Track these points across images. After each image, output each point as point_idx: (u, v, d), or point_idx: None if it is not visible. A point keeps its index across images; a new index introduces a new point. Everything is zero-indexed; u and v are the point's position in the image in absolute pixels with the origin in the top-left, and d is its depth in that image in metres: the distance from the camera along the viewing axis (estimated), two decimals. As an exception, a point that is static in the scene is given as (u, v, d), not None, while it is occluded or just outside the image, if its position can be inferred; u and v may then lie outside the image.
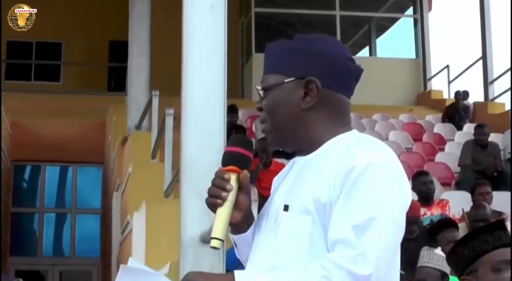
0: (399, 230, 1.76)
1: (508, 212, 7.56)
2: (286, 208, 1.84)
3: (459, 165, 9.75)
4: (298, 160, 1.94)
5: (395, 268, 1.81)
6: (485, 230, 2.62)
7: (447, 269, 4.58)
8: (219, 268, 4.55)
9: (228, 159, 1.91)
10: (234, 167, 1.89)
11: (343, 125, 1.90)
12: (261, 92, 1.95)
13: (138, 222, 7.10)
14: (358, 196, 1.72)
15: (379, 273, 1.67)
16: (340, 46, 1.96)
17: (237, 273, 1.73)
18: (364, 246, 1.67)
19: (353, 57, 1.95)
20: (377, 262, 1.66)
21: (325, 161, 1.82)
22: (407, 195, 1.81)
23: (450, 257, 2.70)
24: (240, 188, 1.90)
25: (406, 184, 1.82)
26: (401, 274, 5.89)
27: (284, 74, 1.91)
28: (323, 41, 1.94)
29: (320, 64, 1.89)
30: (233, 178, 1.88)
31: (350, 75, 1.93)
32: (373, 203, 1.71)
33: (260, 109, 1.96)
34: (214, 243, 1.86)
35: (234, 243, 2.02)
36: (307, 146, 1.90)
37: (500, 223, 2.67)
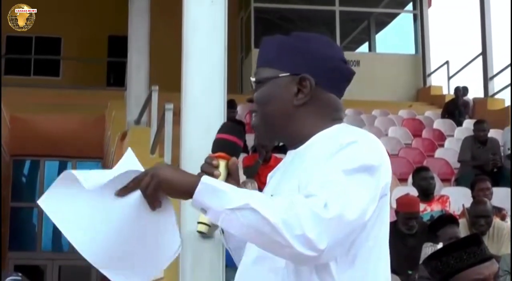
0: (364, 200, 1.74)
1: (508, 207, 7.56)
2: None
3: (458, 161, 9.74)
4: (289, 154, 1.97)
5: (376, 254, 1.82)
6: (459, 246, 2.61)
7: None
8: (219, 263, 4.55)
9: (218, 146, 1.93)
10: (223, 154, 1.91)
11: (331, 121, 1.93)
12: (254, 84, 1.98)
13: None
14: (333, 162, 1.76)
15: (340, 228, 1.67)
16: (334, 46, 2.00)
17: (204, 177, 1.75)
18: (328, 198, 1.69)
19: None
20: (340, 213, 1.67)
21: (310, 152, 1.85)
22: (383, 175, 1.80)
23: (425, 266, 2.69)
24: (230, 174, 1.92)
25: (385, 164, 1.82)
26: (409, 274, 5.83)
27: (278, 69, 1.94)
28: (318, 40, 1.97)
29: (314, 63, 1.92)
30: (222, 164, 1.90)
31: (342, 76, 1.97)
32: (344, 167, 1.74)
33: (251, 101, 1.99)
34: (200, 227, 1.85)
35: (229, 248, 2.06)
36: (296, 140, 1.93)
37: (474, 238, 2.67)
